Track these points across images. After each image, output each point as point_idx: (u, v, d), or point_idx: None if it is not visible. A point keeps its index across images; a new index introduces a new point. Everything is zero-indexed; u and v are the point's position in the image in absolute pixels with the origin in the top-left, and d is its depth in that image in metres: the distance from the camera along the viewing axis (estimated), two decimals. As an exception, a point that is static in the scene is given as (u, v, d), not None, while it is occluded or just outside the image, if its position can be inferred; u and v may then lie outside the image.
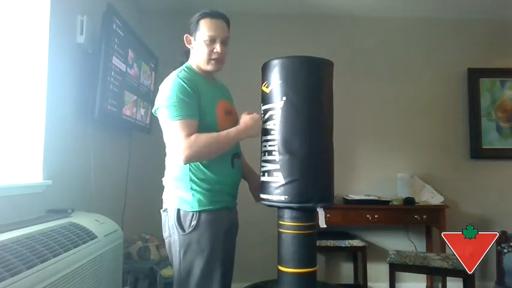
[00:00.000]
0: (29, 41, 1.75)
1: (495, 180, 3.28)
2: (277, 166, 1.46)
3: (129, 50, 2.40)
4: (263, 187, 1.53)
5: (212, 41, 1.46)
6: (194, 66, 1.53)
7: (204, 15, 1.48)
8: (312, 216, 1.49)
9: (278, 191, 1.46)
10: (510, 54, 3.38)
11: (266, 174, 1.51)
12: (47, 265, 1.20)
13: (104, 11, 2.12)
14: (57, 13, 1.83)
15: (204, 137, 1.37)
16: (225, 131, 1.44)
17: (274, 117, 1.49)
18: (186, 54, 1.58)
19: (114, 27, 2.17)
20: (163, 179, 1.54)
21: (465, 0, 3.07)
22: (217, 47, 1.47)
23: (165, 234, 1.48)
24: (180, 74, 1.44)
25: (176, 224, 1.41)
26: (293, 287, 1.46)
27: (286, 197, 1.44)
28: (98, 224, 1.75)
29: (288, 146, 1.45)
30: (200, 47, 1.48)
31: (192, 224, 1.39)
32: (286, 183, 1.44)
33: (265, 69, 1.57)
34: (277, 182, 1.46)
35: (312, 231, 1.49)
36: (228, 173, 1.50)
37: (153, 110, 1.50)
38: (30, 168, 1.71)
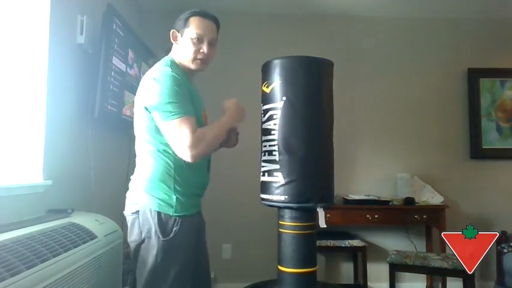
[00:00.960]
0: (29, 41, 1.75)
1: (495, 180, 3.28)
2: (277, 166, 1.47)
3: (129, 50, 2.40)
4: (263, 187, 1.53)
5: (200, 40, 1.42)
6: (177, 62, 1.46)
7: (195, 14, 1.44)
8: (312, 216, 1.49)
9: (278, 191, 1.46)
10: (510, 54, 3.38)
11: (266, 174, 1.51)
12: (47, 265, 1.20)
13: (104, 11, 2.12)
14: (57, 13, 1.83)
15: (207, 131, 1.34)
16: (216, 123, 1.41)
17: (274, 117, 1.49)
18: (168, 50, 1.52)
19: (114, 27, 2.17)
20: (132, 177, 1.42)
21: (465, 0, 3.07)
22: (204, 47, 1.43)
23: (132, 238, 1.36)
24: (173, 69, 1.37)
25: (157, 228, 1.31)
26: (293, 286, 1.46)
27: (286, 197, 1.44)
28: (98, 224, 1.75)
29: (288, 146, 1.45)
30: (187, 45, 1.43)
31: (174, 230, 1.32)
32: (286, 183, 1.44)
33: (265, 69, 1.57)
34: (277, 182, 1.46)
35: (312, 231, 1.50)
36: (203, 175, 1.47)
37: (145, 105, 1.35)
38: (30, 168, 1.71)
